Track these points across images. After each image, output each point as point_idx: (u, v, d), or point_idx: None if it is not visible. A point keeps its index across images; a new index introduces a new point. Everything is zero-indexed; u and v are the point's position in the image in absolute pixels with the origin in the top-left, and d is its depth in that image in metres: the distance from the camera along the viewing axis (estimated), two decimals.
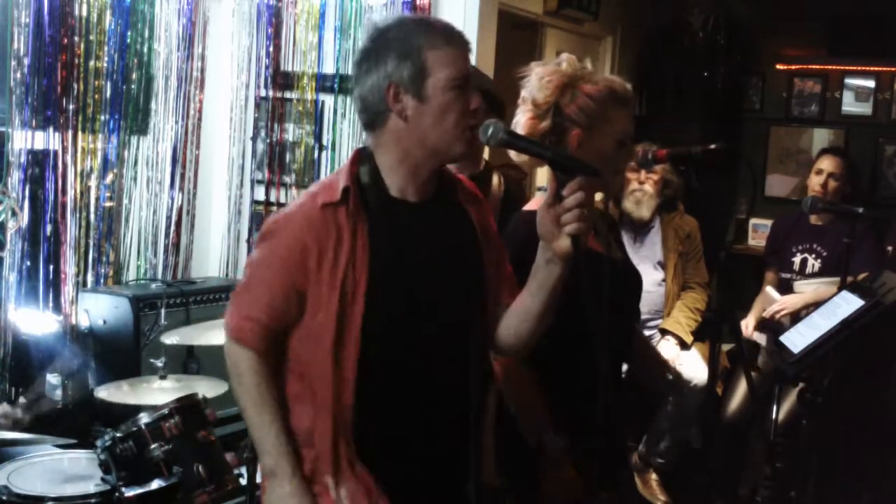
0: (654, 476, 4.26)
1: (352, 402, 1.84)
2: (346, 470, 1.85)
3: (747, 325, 4.48)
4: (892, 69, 5.42)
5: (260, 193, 4.43)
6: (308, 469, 1.88)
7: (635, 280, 2.49)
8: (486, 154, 4.08)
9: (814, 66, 5.68)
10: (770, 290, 4.43)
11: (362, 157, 1.93)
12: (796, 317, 4.02)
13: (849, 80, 5.57)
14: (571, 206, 1.76)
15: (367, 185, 1.88)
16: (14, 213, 3.54)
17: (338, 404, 1.84)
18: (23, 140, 3.57)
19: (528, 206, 2.37)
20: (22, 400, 3.53)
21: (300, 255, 1.83)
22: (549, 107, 2.22)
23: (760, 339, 4.41)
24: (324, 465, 1.86)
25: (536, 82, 2.24)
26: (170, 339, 3.19)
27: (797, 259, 4.45)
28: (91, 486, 2.66)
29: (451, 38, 1.90)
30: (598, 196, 2.62)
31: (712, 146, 2.30)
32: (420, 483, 1.92)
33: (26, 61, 3.55)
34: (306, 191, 1.95)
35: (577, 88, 2.23)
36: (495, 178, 3.58)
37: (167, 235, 4.24)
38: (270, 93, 4.35)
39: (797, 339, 3.10)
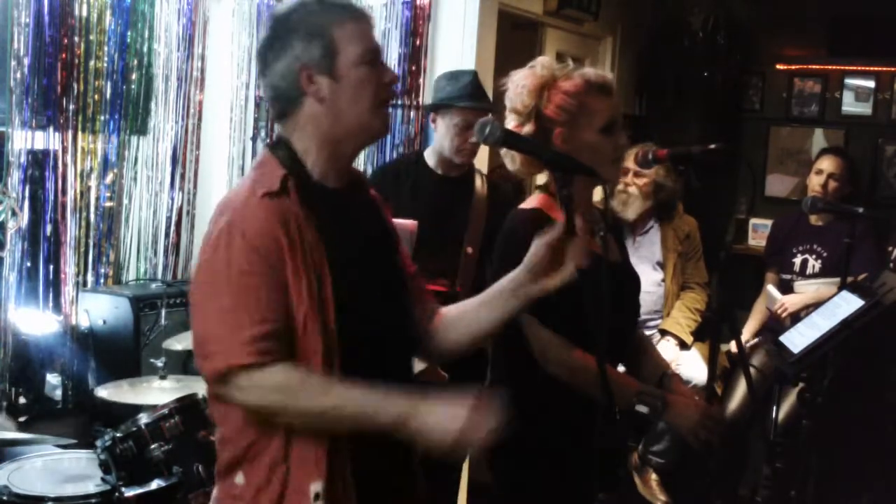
0: (653, 476, 4.26)
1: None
2: (340, 471, 1.78)
3: (746, 331, 4.49)
4: (892, 69, 5.43)
5: None
6: (275, 490, 1.76)
7: (633, 282, 2.49)
8: (486, 154, 4.09)
9: (814, 66, 5.69)
10: (771, 289, 4.43)
11: (277, 147, 1.87)
12: (796, 317, 4.03)
13: (849, 80, 5.57)
14: (580, 246, 1.79)
15: (294, 172, 1.83)
16: (14, 213, 3.54)
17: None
18: (23, 140, 3.57)
19: (525, 205, 2.37)
20: (22, 400, 3.53)
21: (275, 246, 1.73)
22: (529, 111, 2.24)
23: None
24: (305, 474, 1.75)
25: (513, 90, 2.27)
26: (173, 345, 3.19)
27: (797, 259, 4.45)
28: (91, 486, 2.66)
29: (354, 12, 1.87)
30: (597, 196, 2.63)
31: (712, 146, 2.31)
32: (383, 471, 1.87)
33: (26, 61, 3.55)
34: (231, 194, 1.86)
35: (553, 88, 2.25)
36: (478, 180, 3.58)
37: (167, 235, 4.24)
38: None
39: (797, 339, 3.10)
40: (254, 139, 4.42)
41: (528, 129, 2.25)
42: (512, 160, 2.32)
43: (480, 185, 3.57)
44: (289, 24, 1.83)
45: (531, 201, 2.35)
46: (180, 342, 3.19)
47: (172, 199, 4.25)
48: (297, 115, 1.85)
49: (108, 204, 3.94)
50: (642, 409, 2.20)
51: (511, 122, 2.26)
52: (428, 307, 2.04)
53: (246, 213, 1.75)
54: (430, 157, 3.55)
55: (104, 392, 3.06)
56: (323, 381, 1.73)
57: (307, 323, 1.75)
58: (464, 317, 1.99)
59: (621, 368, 2.46)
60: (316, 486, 1.75)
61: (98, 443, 2.70)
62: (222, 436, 1.85)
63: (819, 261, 4.39)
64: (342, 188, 1.90)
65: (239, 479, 1.81)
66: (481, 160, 3.94)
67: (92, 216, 3.86)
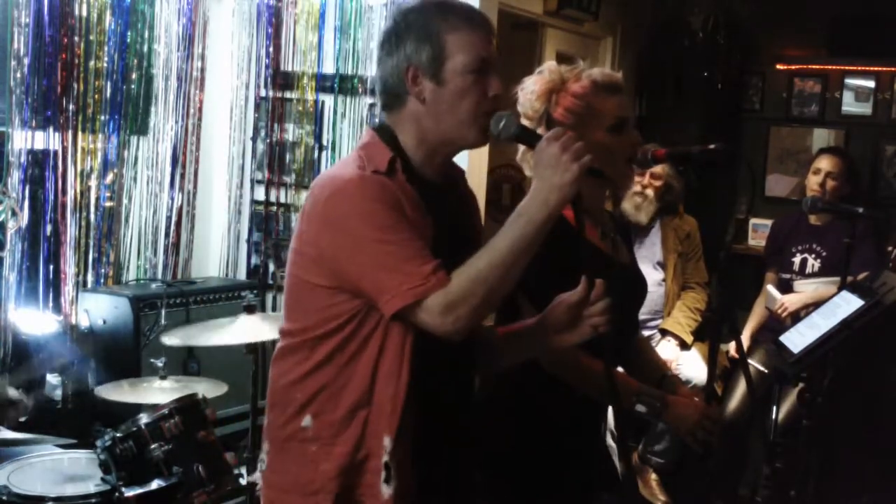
0: (653, 476, 4.26)
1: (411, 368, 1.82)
2: (406, 434, 1.82)
3: (746, 331, 4.48)
4: (892, 69, 5.42)
5: (260, 193, 4.43)
6: (353, 435, 1.82)
7: (640, 285, 2.49)
8: (486, 153, 4.09)
9: (814, 66, 5.68)
10: (771, 289, 4.43)
11: (383, 132, 1.90)
12: (796, 317, 4.03)
13: (849, 80, 5.56)
14: (602, 310, 1.83)
15: (398, 155, 1.86)
16: (14, 213, 3.54)
17: (411, 360, 1.81)
18: (23, 140, 3.57)
19: None
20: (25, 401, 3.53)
21: (398, 202, 1.76)
22: (539, 116, 2.25)
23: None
24: (382, 426, 1.81)
25: (523, 96, 2.28)
26: (170, 340, 3.19)
27: (797, 259, 4.45)
28: (91, 486, 2.66)
29: (472, 20, 1.88)
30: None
31: (712, 146, 2.30)
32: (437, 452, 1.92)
33: (26, 61, 3.55)
34: (334, 169, 1.89)
35: (562, 92, 2.25)
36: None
37: (167, 235, 4.24)
38: (270, 93, 4.35)
39: (797, 339, 3.10)
40: (254, 139, 4.42)
41: (539, 133, 2.25)
42: (529, 165, 2.33)
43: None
44: (407, 23, 1.86)
45: None
46: (177, 337, 3.19)
47: (172, 199, 4.25)
48: (401, 111, 1.88)
49: (108, 204, 3.94)
50: (641, 409, 2.20)
51: None
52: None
53: (363, 183, 1.78)
54: None
55: (104, 392, 3.07)
56: (475, 258, 1.76)
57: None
58: (490, 345, 2.05)
59: (620, 370, 2.46)
60: (387, 440, 1.81)
61: (98, 443, 2.70)
62: (290, 381, 1.88)
63: (818, 260, 4.39)
64: (439, 182, 1.93)
65: (307, 421, 1.86)
66: (481, 160, 3.94)
67: (92, 216, 3.86)
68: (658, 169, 4.13)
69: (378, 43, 1.92)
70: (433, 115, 1.85)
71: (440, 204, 1.90)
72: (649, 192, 4.19)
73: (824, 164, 4.44)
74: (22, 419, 3.20)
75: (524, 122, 2.29)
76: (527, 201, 1.77)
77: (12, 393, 2.98)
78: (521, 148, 2.29)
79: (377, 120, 3.60)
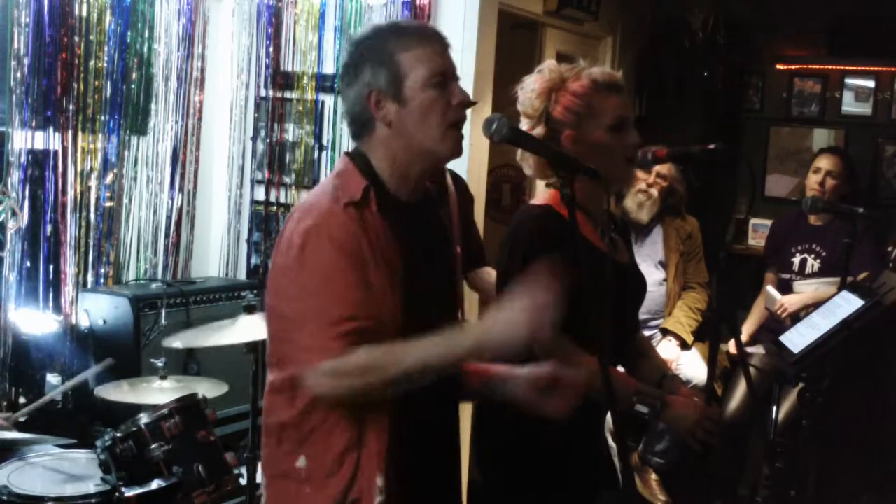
0: (654, 476, 4.26)
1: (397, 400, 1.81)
2: (394, 473, 1.83)
3: (745, 331, 4.48)
4: (892, 69, 5.42)
5: (260, 193, 4.43)
6: (347, 474, 1.82)
7: (639, 284, 2.49)
8: (486, 153, 4.09)
9: (814, 66, 5.68)
10: (770, 289, 4.43)
11: (356, 158, 1.92)
12: (796, 317, 4.03)
13: (849, 80, 5.56)
14: (564, 398, 1.85)
15: (372, 183, 1.88)
16: (14, 213, 3.54)
17: (391, 405, 1.82)
18: (23, 140, 3.57)
19: (535, 201, 2.37)
20: (22, 400, 3.53)
21: (359, 247, 1.78)
22: (539, 115, 2.26)
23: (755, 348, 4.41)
24: (370, 465, 1.82)
25: (523, 94, 2.29)
26: (172, 343, 3.19)
27: (796, 259, 4.45)
28: (91, 486, 2.66)
29: (423, 36, 1.90)
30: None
31: (712, 146, 2.30)
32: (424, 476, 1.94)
33: (26, 61, 3.55)
34: (312, 199, 1.89)
35: (561, 90, 2.26)
36: (448, 178, 3.59)
37: (167, 235, 4.24)
38: (270, 93, 4.35)
39: (797, 339, 3.10)
40: (254, 139, 4.42)
41: (538, 131, 2.25)
42: (527, 164, 2.33)
43: (450, 182, 3.57)
44: (361, 51, 1.88)
45: (541, 198, 2.35)
46: (179, 340, 3.19)
47: (172, 199, 4.25)
48: (371, 138, 1.90)
49: (108, 204, 3.94)
50: (641, 408, 2.20)
51: (523, 127, 2.28)
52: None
53: (331, 219, 1.80)
54: None
55: (104, 392, 3.06)
56: (395, 347, 1.76)
57: (381, 329, 1.79)
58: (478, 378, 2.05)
59: (620, 369, 2.46)
60: (379, 479, 1.82)
61: (98, 443, 2.70)
62: (282, 422, 1.88)
63: (818, 260, 4.39)
64: (413, 202, 1.94)
65: (301, 462, 1.86)
66: (481, 160, 3.94)
67: (92, 216, 3.86)
68: (664, 170, 4.13)
69: (339, 76, 1.94)
70: (402, 135, 1.87)
71: (415, 224, 1.92)
72: (653, 191, 4.19)
73: (824, 163, 4.44)
74: (22, 419, 3.20)
75: (524, 120, 2.29)
76: (467, 335, 1.78)
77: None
78: (520, 150, 2.30)
79: None
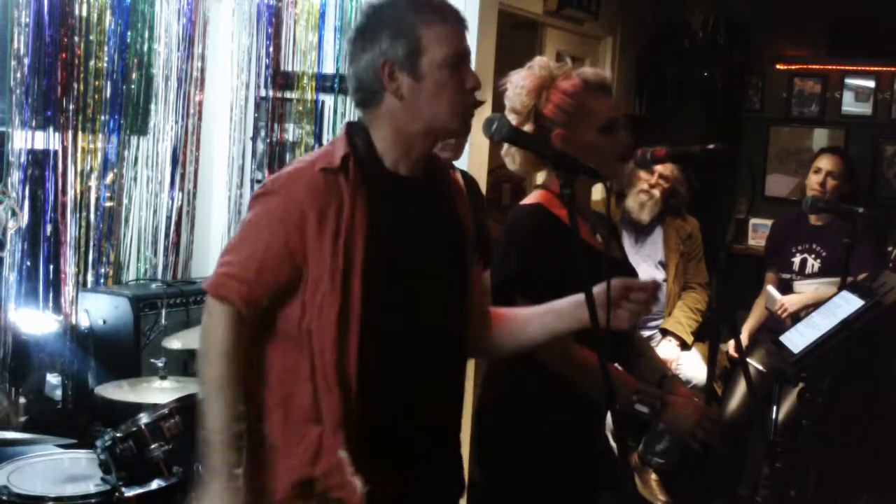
0: (653, 476, 4.26)
1: (355, 372, 1.79)
2: (354, 439, 1.81)
3: (745, 331, 4.48)
4: (892, 69, 5.42)
5: None
6: (310, 449, 1.81)
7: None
8: (486, 154, 4.09)
9: (814, 66, 5.68)
10: (771, 289, 4.43)
11: (355, 129, 1.90)
12: (796, 317, 4.03)
13: (849, 80, 5.56)
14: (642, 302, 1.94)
15: (363, 157, 1.86)
16: (14, 213, 3.54)
17: (343, 377, 1.79)
18: (23, 140, 3.57)
19: (526, 201, 2.37)
20: (22, 400, 3.53)
21: (299, 218, 1.78)
22: (528, 111, 2.25)
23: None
24: (334, 440, 1.80)
25: (512, 90, 2.28)
26: (172, 343, 3.19)
27: (797, 259, 4.45)
28: (91, 486, 2.66)
29: (446, 14, 1.88)
30: (597, 195, 2.63)
31: (712, 146, 2.30)
32: (414, 461, 1.91)
33: (26, 61, 3.55)
34: (300, 158, 1.92)
35: (552, 88, 2.25)
36: (458, 176, 3.59)
37: (167, 235, 4.24)
38: (270, 93, 4.35)
39: (797, 339, 3.10)
40: (254, 139, 4.42)
41: (527, 128, 2.25)
42: (512, 160, 2.33)
43: (460, 179, 3.58)
44: (380, 18, 1.85)
45: (532, 197, 2.35)
46: (180, 341, 3.19)
47: (172, 199, 4.25)
48: (377, 108, 1.87)
49: (108, 204, 3.94)
50: (641, 408, 2.20)
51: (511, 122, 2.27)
52: (483, 308, 2.06)
53: (294, 179, 1.82)
54: None
55: (104, 392, 3.06)
56: (235, 363, 1.81)
57: (324, 306, 1.78)
58: (512, 325, 2.04)
59: (618, 367, 2.46)
60: (342, 453, 1.79)
61: (98, 443, 2.70)
62: (253, 377, 1.89)
63: (818, 260, 4.39)
64: (415, 176, 1.92)
65: (266, 428, 1.86)
66: (481, 160, 3.94)
67: (92, 216, 3.86)
68: (667, 171, 4.13)
69: (349, 39, 1.89)
70: (411, 110, 1.85)
71: (412, 199, 1.90)
72: (656, 191, 4.19)
73: (825, 163, 4.44)
74: (22, 419, 3.20)
75: (511, 115, 2.28)
76: (211, 473, 1.84)
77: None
78: (506, 144, 2.29)
79: None
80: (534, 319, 2.01)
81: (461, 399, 2.03)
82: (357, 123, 1.92)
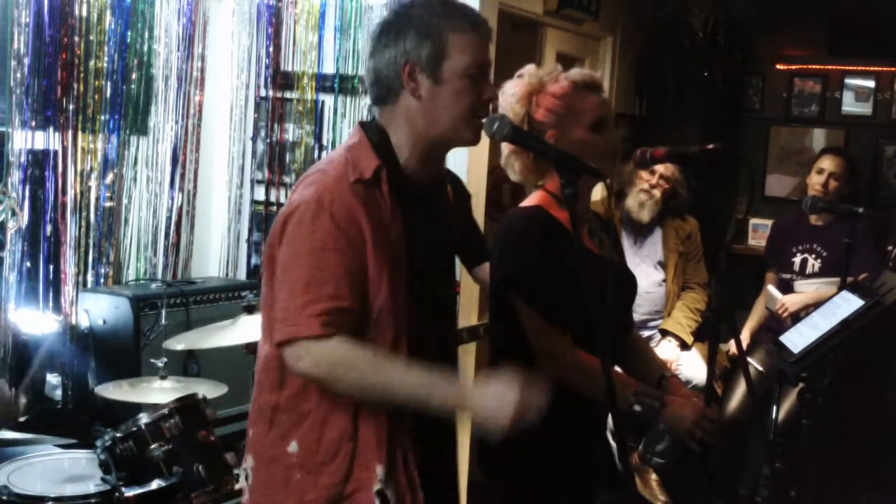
0: (654, 476, 4.26)
1: None
2: (399, 460, 1.81)
3: (745, 331, 4.48)
4: (892, 69, 5.42)
5: (260, 193, 4.43)
6: (341, 468, 1.80)
7: (630, 282, 2.49)
8: (486, 154, 4.09)
9: (814, 66, 5.68)
10: (771, 289, 4.43)
11: (371, 132, 1.88)
12: (797, 317, 4.03)
13: (849, 80, 5.56)
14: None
15: (388, 165, 1.85)
16: (14, 213, 3.54)
17: None
18: (23, 140, 3.57)
19: (526, 203, 2.38)
20: (22, 400, 3.53)
21: (358, 229, 1.75)
22: (521, 119, 2.27)
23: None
24: (371, 456, 1.79)
25: (504, 99, 2.30)
26: (172, 343, 3.19)
27: (797, 259, 4.45)
28: (91, 486, 2.66)
29: (475, 23, 1.88)
30: (597, 195, 2.63)
31: (711, 146, 2.30)
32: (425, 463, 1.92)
33: (26, 61, 3.55)
34: (321, 168, 1.86)
35: (541, 94, 2.27)
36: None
37: (167, 235, 4.24)
38: (270, 93, 4.35)
39: (797, 339, 3.10)
40: (254, 139, 4.42)
41: None
42: (512, 169, 2.34)
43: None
44: (409, 16, 1.84)
45: (531, 199, 2.36)
46: (180, 342, 3.19)
47: (172, 199, 4.25)
48: (393, 107, 1.87)
49: (108, 204, 3.94)
50: (639, 409, 2.20)
51: None
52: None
53: (336, 194, 1.77)
54: None
55: (104, 392, 3.06)
56: (377, 358, 1.75)
57: (382, 311, 1.78)
58: None
59: (618, 369, 2.46)
60: (380, 469, 1.79)
61: (98, 443, 2.70)
62: (276, 403, 1.86)
63: (819, 260, 4.39)
64: (428, 184, 1.92)
65: (292, 447, 1.83)
66: (481, 160, 3.94)
67: (92, 216, 3.86)
68: (668, 172, 4.13)
69: (374, 33, 1.89)
70: (427, 112, 1.84)
71: (425, 206, 1.91)
72: (656, 192, 4.18)
73: (828, 164, 4.44)
74: (22, 419, 3.20)
75: None
76: (449, 390, 1.77)
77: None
78: (505, 151, 2.31)
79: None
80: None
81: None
82: (371, 124, 1.91)
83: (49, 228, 3.68)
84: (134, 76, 3.98)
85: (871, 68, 5.48)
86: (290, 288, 1.76)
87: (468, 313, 3.85)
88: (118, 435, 2.68)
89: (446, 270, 1.99)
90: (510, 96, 2.29)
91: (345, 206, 1.75)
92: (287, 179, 4.36)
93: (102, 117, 3.87)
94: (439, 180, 2.00)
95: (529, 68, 2.34)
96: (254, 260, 4.47)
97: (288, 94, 4.34)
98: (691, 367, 4.12)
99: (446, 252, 1.99)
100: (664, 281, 4.26)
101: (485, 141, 1.98)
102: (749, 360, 4.29)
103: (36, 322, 3.60)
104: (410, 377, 1.74)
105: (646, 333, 4.14)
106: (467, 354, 3.92)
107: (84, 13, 3.72)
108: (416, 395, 1.74)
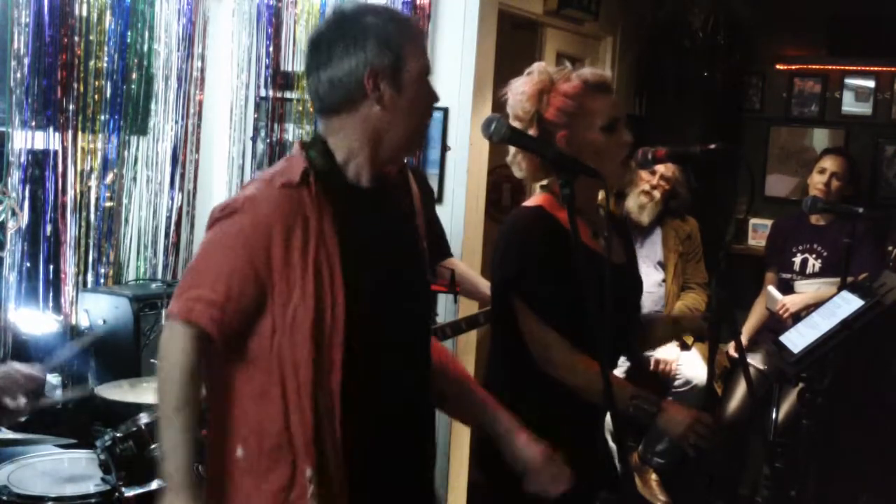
0: (653, 476, 4.26)
1: (338, 388, 1.78)
2: (332, 457, 1.80)
3: (745, 331, 4.48)
4: (892, 69, 5.42)
5: None
6: (284, 475, 1.79)
7: (635, 283, 2.49)
8: (486, 153, 4.09)
9: (814, 66, 5.68)
10: (771, 289, 4.43)
11: (309, 144, 1.90)
12: (797, 317, 4.03)
13: (849, 80, 5.57)
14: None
15: (323, 169, 1.85)
16: (14, 213, 3.54)
17: (321, 391, 1.78)
18: (23, 140, 3.57)
19: (528, 203, 2.38)
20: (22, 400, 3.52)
21: (265, 237, 1.76)
22: (530, 117, 2.26)
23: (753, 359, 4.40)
24: (304, 460, 1.79)
25: (513, 97, 2.29)
26: None
27: (797, 259, 4.45)
28: (91, 486, 2.66)
29: (418, 30, 1.95)
30: (600, 195, 2.62)
31: (712, 146, 2.30)
32: (391, 471, 1.91)
33: (26, 61, 3.55)
34: (256, 178, 1.91)
35: (552, 92, 2.26)
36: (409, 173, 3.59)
37: (167, 235, 4.24)
38: (270, 93, 4.35)
39: (797, 339, 3.10)
40: (254, 139, 4.42)
41: (531, 133, 2.25)
42: (518, 167, 2.33)
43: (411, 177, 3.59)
44: (363, 26, 1.85)
45: (534, 200, 2.36)
46: None
47: (172, 199, 4.25)
48: (351, 114, 1.87)
49: (108, 204, 3.94)
50: (637, 413, 2.21)
51: None
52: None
53: (256, 200, 1.80)
54: None
55: (104, 392, 3.06)
56: (194, 387, 1.81)
57: (295, 323, 1.76)
58: (460, 397, 2.10)
59: (620, 370, 2.47)
60: (308, 471, 1.78)
61: (98, 443, 2.70)
62: (219, 399, 1.89)
63: (819, 260, 4.39)
64: (375, 188, 1.92)
65: (239, 452, 1.85)
66: (481, 160, 3.94)
67: (92, 216, 3.86)
68: (668, 172, 4.13)
69: (319, 41, 1.88)
70: (389, 120, 1.86)
71: (373, 210, 1.91)
72: (656, 193, 4.18)
73: (829, 164, 4.44)
74: (22, 419, 3.19)
75: (514, 122, 2.29)
76: (173, 482, 1.83)
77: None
78: (512, 150, 2.30)
79: None
80: (477, 411, 2.10)
81: (433, 413, 2.06)
82: (314, 138, 1.93)
83: (49, 228, 3.68)
84: (134, 76, 3.98)
85: (871, 68, 5.48)
86: (186, 271, 1.85)
87: (469, 313, 3.85)
88: (118, 435, 2.68)
89: (412, 279, 1.97)
90: (520, 94, 2.28)
91: (260, 214, 1.77)
92: None
93: (102, 117, 3.87)
94: (386, 183, 1.98)
95: (539, 66, 2.33)
96: None
97: (288, 94, 4.33)
98: (691, 367, 4.12)
99: (409, 258, 1.98)
100: (664, 281, 4.26)
101: (484, 142, 1.99)
102: (749, 360, 4.29)
103: (36, 322, 3.60)
104: (170, 444, 1.83)
105: None
106: (467, 354, 3.92)
107: (84, 13, 3.72)
108: (161, 460, 1.84)
